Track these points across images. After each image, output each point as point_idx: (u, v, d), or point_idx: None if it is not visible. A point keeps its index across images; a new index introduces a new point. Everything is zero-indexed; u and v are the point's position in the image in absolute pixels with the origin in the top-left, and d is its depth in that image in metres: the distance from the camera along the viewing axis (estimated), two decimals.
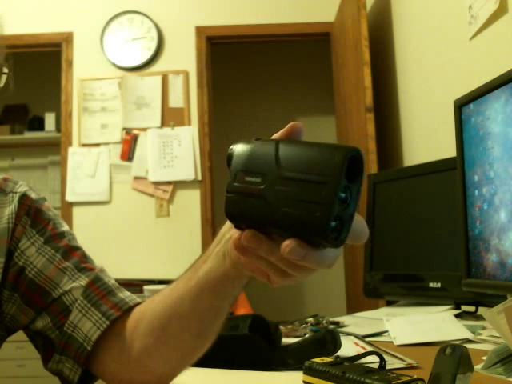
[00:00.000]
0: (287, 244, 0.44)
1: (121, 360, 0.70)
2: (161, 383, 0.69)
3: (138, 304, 0.73)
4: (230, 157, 0.53)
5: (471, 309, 1.28)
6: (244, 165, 0.50)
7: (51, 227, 0.77)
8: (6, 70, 0.85)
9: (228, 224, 0.58)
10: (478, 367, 0.73)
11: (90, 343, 0.69)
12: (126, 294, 0.74)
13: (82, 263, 0.75)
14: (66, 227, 0.79)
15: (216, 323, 0.64)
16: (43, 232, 0.76)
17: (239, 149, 0.52)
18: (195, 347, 0.66)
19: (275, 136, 0.53)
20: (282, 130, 0.53)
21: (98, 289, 0.73)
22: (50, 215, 0.78)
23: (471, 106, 0.89)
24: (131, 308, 0.72)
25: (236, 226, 0.50)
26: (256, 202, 0.47)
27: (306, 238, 0.44)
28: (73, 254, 0.75)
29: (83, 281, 0.73)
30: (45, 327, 0.72)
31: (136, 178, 3.32)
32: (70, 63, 3.41)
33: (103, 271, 0.76)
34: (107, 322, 0.70)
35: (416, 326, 1.09)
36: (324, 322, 1.23)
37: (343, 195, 0.44)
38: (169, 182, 3.30)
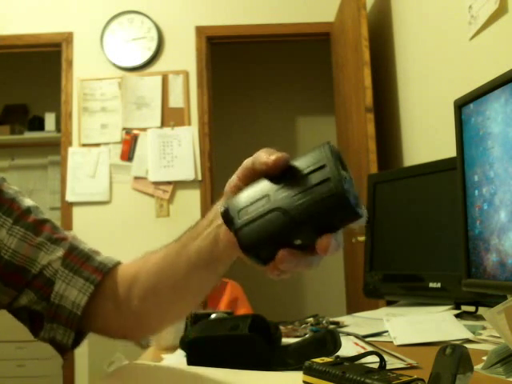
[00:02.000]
0: (327, 241, 0.46)
1: (119, 319, 0.75)
2: (151, 333, 0.80)
3: (118, 263, 0.78)
4: (226, 212, 0.52)
5: (471, 309, 1.28)
6: (243, 202, 0.50)
7: (16, 206, 0.77)
8: None
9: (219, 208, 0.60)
10: (478, 367, 0.73)
11: (79, 308, 0.73)
12: (103, 257, 0.79)
13: (54, 234, 0.77)
14: (29, 202, 0.79)
15: (205, 293, 0.71)
16: (9, 212, 0.76)
17: (231, 200, 0.52)
18: (185, 311, 0.78)
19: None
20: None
21: (76, 257, 0.76)
22: (11, 194, 0.78)
23: (471, 106, 0.89)
24: (111, 269, 0.77)
25: (256, 258, 0.50)
26: (271, 217, 0.47)
27: (329, 219, 0.45)
28: (42, 227, 0.77)
29: (59, 252, 0.75)
30: (30, 302, 0.74)
31: (136, 177, 3.32)
32: (70, 63, 3.41)
33: (76, 238, 0.79)
34: (92, 287, 0.74)
35: (416, 326, 1.09)
36: (324, 322, 1.23)
37: (343, 173, 0.46)
38: (169, 182, 3.30)
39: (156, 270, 0.71)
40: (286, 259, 0.48)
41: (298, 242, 0.47)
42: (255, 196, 0.50)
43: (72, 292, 0.73)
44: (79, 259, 0.76)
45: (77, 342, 0.76)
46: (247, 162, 0.55)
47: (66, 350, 0.76)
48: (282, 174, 0.49)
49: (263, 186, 0.50)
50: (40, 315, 0.74)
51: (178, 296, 0.71)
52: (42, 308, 0.74)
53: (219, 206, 0.55)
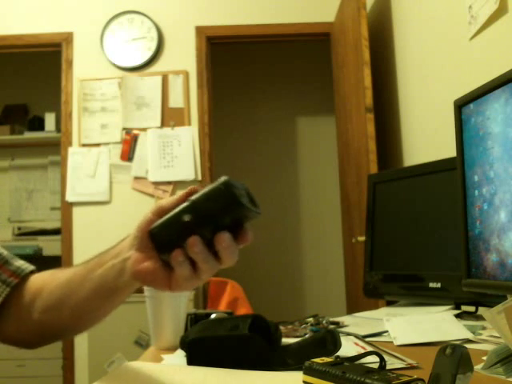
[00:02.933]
0: (223, 235, 0.58)
1: (19, 326, 0.78)
2: (47, 344, 0.80)
3: (33, 271, 0.82)
4: (152, 234, 0.64)
5: (471, 309, 1.28)
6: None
7: None
8: None
9: (128, 243, 0.66)
10: (478, 367, 0.73)
11: None
12: (20, 263, 0.83)
13: None
14: None
15: (105, 316, 0.75)
16: None
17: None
18: (83, 329, 0.79)
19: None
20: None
21: None
22: None
23: (471, 106, 0.89)
24: (27, 275, 0.81)
25: (161, 241, 0.62)
26: (181, 206, 0.60)
27: (219, 202, 0.57)
28: None
29: None
30: None
31: (136, 177, 3.32)
32: (70, 63, 3.41)
33: None
34: (8, 289, 0.78)
35: (416, 325, 1.09)
36: (324, 322, 1.23)
37: (241, 191, 0.59)
38: (169, 182, 3.30)
39: (60, 289, 0.74)
40: (196, 244, 0.58)
41: (188, 218, 0.58)
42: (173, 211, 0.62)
43: None
44: None
45: None
46: (163, 202, 0.64)
47: None
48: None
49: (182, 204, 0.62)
50: None
51: (78, 317, 0.75)
52: None
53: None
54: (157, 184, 3.30)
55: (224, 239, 0.58)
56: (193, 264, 0.61)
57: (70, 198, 3.32)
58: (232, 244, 0.60)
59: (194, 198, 0.60)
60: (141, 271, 0.63)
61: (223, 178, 0.59)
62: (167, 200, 0.64)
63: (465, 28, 1.74)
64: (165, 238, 0.61)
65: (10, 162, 4.38)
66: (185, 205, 0.60)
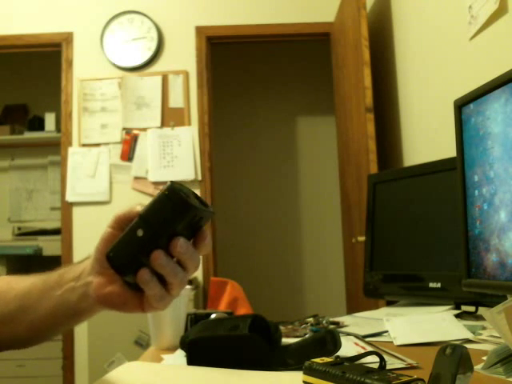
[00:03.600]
0: (177, 240, 0.56)
1: None
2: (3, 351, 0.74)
3: None
4: (109, 258, 0.60)
5: (471, 309, 1.28)
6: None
7: None
8: None
9: (89, 265, 0.62)
10: (478, 367, 0.73)
11: None
12: None
13: None
14: None
15: (62, 333, 0.70)
16: None
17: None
18: (38, 343, 0.74)
19: None
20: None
21: None
22: None
23: (471, 106, 0.89)
24: None
25: (120, 264, 0.58)
26: (132, 223, 0.58)
27: (167, 208, 0.56)
28: None
29: None
30: None
31: (136, 177, 3.32)
32: (70, 63, 3.41)
33: None
34: None
35: (416, 325, 1.09)
36: (324, 322, 1.23)
37: (187, 193, 0.58)
38: None
39: (16, 302, 0.70)
40: (159, 257, 0.55)
41: (141, 232, 0.56)
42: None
43: None
44: None
45: None
46: (119, 213, 0.62)
47: None
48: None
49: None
50: None
51: (35, 333, 0.71)
52: None
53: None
54: (157, 184, 3.30)
55: (179, 244, 0.56)
56: (161, 281, 0.58)
57: (69, 197, 3.32)
58: (189, 248, 0.57)
59: (142, 211, 0.57)
60: (106, 296, 0.60)
61: (167, 184, 0.57)
62: (122, 210, 0.61)
63: (465, 28, 1.74)
64: (124, 259, 0.58)
65: (9, 162, 4.38)
66: (135, 220, 0.57)
